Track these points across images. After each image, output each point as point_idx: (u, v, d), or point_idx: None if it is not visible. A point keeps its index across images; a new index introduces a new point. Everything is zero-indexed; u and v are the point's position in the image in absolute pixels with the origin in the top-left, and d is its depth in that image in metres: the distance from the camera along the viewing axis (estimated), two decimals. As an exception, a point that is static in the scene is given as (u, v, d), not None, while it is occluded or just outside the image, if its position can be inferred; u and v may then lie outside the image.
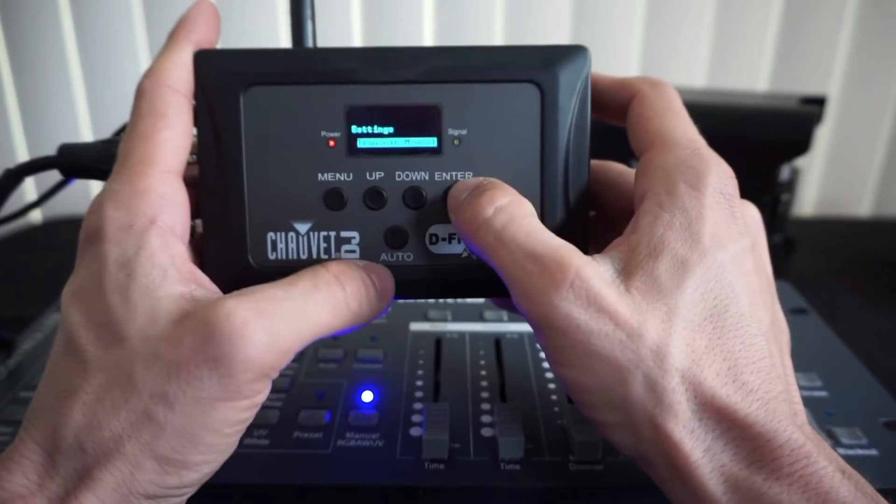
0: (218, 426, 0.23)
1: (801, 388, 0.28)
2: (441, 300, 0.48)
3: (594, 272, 0.24)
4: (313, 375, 0.39)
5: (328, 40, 0.29)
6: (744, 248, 0.26)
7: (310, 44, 0.31)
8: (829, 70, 0.84)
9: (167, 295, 0.24)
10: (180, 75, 0.27)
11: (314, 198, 0.28)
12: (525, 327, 0.44)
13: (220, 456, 0.25)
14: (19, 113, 0.80)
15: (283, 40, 0.80)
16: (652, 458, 0.24)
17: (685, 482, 0.23)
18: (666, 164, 0.26)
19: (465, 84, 0.28)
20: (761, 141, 0.58)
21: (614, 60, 0.83)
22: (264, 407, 0.35)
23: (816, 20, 0.82)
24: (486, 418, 0.35)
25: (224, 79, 0.27)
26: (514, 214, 0.26)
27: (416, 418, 0.35)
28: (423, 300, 0.47)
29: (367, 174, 0.28)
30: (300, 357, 0.41)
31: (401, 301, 0.30)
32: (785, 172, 0.59)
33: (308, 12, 0.30)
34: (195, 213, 0.28)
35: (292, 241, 0.29)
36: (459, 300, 0.48)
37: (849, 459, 0.24)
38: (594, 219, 0.32)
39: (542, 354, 0.41)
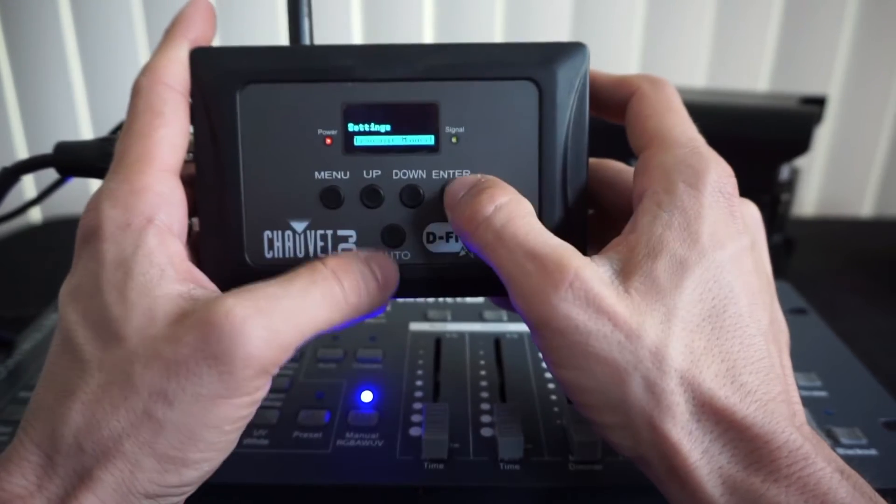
0: (218, 423, 0.23)
1: (800, 388, 0.28)
2: (440, 300, 0.47)
3: (593, 273, 0.24)
4: (313, 375, 0.39)
5: (328, 40, 0.29)
6: (743, 247, 0.26)
7: (307, 41, 0.31)
8: (829, 70, 0.84)
9: (165, 294, 0.24)
10: (177, 73, 0.27)
11: (311, 196, 0.28)
12: (525, 327, 0.44)
13: (220, 454, 0.25)
14: (19, 112, 0.80)
15: (282, 38, 0.80)
16: (650, 459, 0.24)
17: (683, 483, 0.23)
18: (665, 163, 0.26)
19: (462, 81, 0.28)
20: (761, 141, 0.58)
21: (614, 60, 0.83)
22: (264, 407, 0.35)
23: (816, 20, 0.82)
24: (485, 418, 0.35)
25: (220, 76, 0.27)
26: (513, 213, 0.25)
27: (415, 418, 0.35)
28: (422, 300, 0.47)
29: (364, 172, 0.28)
30: (300, 357, 0.41)
31: (399, 300, 0.30)
32: (785, 172, 0.59)
33: (305, 10, 0.30)
34: (192, 212, 0.28)
35: (289, 240, 0.28)
36: (459, 300, 0.48)
37: (848, 459, 0.24)
38: (592, 217, 0.31)
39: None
